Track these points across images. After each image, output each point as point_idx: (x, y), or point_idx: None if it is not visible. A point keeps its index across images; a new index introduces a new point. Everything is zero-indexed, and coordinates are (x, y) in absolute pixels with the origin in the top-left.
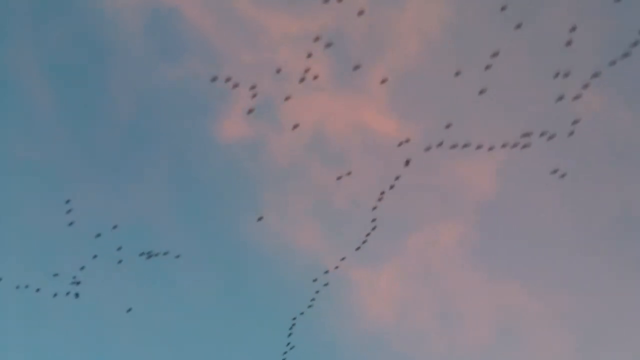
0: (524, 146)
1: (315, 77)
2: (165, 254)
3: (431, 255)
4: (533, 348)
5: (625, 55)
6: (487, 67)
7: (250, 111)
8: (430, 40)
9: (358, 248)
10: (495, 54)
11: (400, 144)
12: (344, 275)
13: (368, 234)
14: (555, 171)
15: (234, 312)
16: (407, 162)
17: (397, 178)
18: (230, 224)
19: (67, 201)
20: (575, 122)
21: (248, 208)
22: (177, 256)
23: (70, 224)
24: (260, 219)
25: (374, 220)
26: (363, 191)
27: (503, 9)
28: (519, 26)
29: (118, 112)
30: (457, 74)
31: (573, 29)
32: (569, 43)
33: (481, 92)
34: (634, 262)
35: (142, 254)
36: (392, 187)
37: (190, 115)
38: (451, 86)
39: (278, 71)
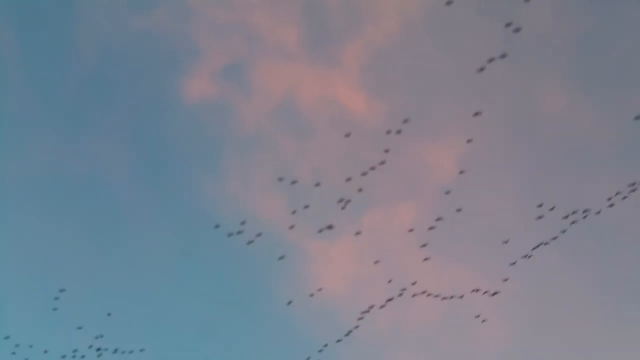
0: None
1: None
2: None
3: (386, 233)
4: (476, 329)
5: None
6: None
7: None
8: (410, 21)
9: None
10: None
11: (388, 133)
12: (299, 246)
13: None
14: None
15: (188, 274)
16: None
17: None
18: (189, 187)
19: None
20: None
21: (209, 172)
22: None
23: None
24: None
25: (341, 200)
26: (326, 165)
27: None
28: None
29: (81, 59)
30: (448, 2)
31: None
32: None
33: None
34: (583, 253)
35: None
36: (364, 173)
37: (156, 69)
38: (425, 69)
39: (250, 34)
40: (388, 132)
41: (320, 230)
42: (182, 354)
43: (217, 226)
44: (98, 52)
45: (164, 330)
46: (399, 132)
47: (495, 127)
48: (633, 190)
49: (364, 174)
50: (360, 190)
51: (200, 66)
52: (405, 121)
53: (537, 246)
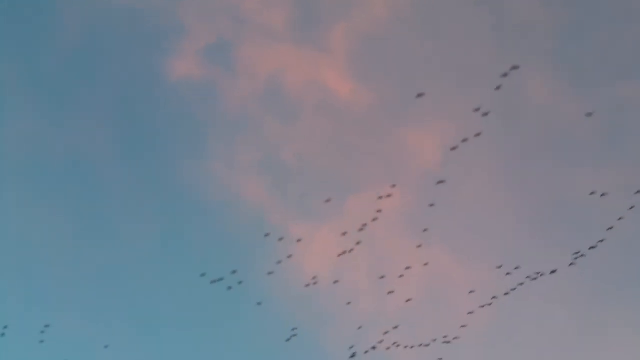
0: (477, 134)
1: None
2: None
3: (370, 217)
4: (455, 313)
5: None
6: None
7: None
8: (398, 6)
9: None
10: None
11: None
12: (283, 229)
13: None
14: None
15: (171, 255)
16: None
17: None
18: (173, 167)
19: None
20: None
21: (193, 153)
22: None
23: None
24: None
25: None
26: (311, 148)
27: None
28: None
29: (64, 36)
30: None
31: None
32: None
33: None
34: (560, 241)
35: None
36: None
37: (140, 47)
38: (412, 54)
39: (237, 14)
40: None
41: (303, 212)
42: (164, 336)
43: (203, 274)
44: (82, 29)
45: (147, 310)
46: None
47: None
48: (581, 256)
49: (347, 157)
50: (343, 173)
51: (186, 45)
52: (420, 95)
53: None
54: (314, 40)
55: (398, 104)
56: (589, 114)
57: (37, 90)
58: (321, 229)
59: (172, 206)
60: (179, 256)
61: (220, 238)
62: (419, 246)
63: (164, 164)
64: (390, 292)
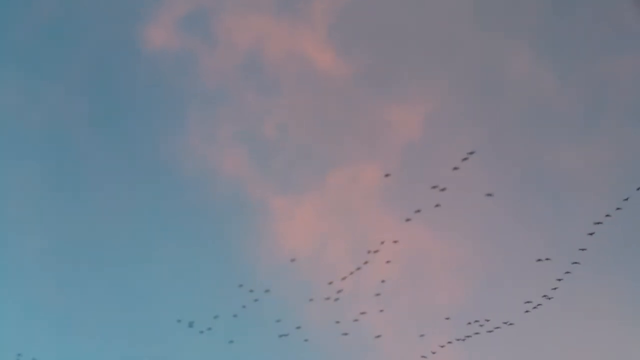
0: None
1: None
2: None
3: (350, 192)
4: (432, 288)
5: None
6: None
7: None
8: None
9: None
10: None
11: None
12: (263, 203)
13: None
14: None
15: (149, 229)
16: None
17: None
18: (150, 140)
19: None
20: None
21: (171, 125)
22: None
23: None
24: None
25: None
26: (292, 121)
27: None
28: None
29: (38, 3)
30: None
31: None
32: None
33: None
34: (540, 216)
35: None
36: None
37: (116, 15)
38: (394, 27)
39: None
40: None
41: (283, 186)
42: (144, 308)
43: (179, 320)
44: None
45: (125, 284)
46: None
47: (462, 87)
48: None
49: (328, 131)
50: (324, 146)
51: (163, 14)
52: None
53: None
54: (295, 10)
55: (380, 75)
56: (489, 195)
57: (10, 59)
58: (303, 203)
59: (150, 179)
60: (157, 229)
61: (199, 212)
62: (408, 220)
63: (141, 136)
64: (366, 263)
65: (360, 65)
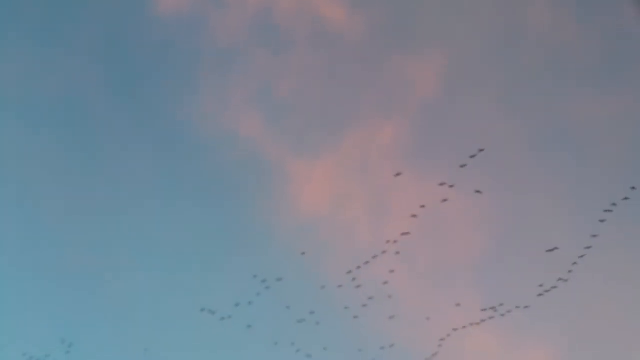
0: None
1: None
2: None
3: (366, 151)
4: (447, 245)
5: None
6: None
7: None
8: None
9: None
10: None
11: None
12: (280, 165)
13: None
14: None
15: (166, 193)
16: None
17: None
18: (164, 104)
19: None
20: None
21: (184, 88)
22: None
23: None
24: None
25: None
26: (306, 81)
27: None
28: None
29: None
30: None
31: None
32: None
33: None
34: (559, 174)
35: None
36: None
37: None
38: None
39: None
40: None
41: (300, 147)
42: (162, 272)
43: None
44: None
45: (142, 248)
46: None
47: (480, 40)
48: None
49: (344, 90)
50: (339, 106)
51: None
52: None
53: None
54: None
55: (395, 30)
56: (478, 191)
57: (24, 27)
58: (318, 164)
59: (165, 143)
60: (174, 192)
61: (215, 175)
62: (442, 184)
63: (155, 100)
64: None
65: (375, 20)
